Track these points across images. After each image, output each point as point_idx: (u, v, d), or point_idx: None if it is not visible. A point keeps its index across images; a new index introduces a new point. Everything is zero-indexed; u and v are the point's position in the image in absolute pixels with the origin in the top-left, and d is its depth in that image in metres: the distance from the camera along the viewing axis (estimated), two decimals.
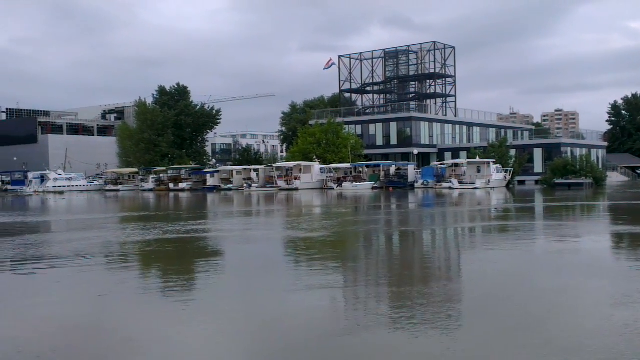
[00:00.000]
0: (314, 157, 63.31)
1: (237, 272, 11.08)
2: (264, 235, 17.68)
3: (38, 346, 6.15)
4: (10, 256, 13.05)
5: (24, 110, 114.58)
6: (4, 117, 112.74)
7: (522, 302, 7.80)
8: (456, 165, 59.11)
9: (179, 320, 7.08)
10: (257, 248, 14.49)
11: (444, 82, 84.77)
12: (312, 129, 69.37)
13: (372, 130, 75.81)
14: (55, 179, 74.76)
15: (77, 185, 75.42)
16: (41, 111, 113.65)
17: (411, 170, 60.22)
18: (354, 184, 57.41)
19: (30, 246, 14.70)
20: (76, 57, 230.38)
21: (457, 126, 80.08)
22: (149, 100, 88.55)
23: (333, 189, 56.56)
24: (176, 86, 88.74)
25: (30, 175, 78.33)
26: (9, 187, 77.15)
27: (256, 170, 66.54)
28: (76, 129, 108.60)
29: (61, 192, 66.37)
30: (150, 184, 71.74)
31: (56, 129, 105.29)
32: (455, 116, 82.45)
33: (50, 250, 14.03)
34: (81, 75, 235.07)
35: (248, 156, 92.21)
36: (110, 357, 5.84)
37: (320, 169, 61.57)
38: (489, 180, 54.18)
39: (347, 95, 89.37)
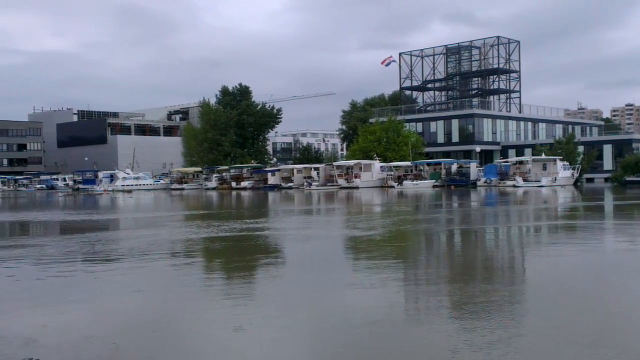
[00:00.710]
0: (375, 155, 63.08)
1: (297, 269, 11.18)
2: (324, 233, 17.76)
3: (105, 336, 6.40)
4: (80, 251, 13.62)
5: (95, 112, 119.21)
6: (75, 118, 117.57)
7: (590, 303, 7.53)
8: (520, 162, 57.65)
9: (241, 315, 7.20)
10: (317, 246, 14.58)
11: (508, 78, 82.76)
12: (373, 127, 69.12)
13: (433, 128, 74.85)
14: (124, 178, 77.38)
15: (144, 184, 77.83)
16: (110, 113, 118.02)
17: (473, 168, 59.10)
18: (415, 182, 56.86)
19: (100, 242, 15.30)
20: (143, 60, 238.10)
21: (522, 122, 78.02)
22: (212, 101, 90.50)
23: (393, 187, 56.19)
24: (238, 86, 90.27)
25: (101, 174, 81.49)
26: (81, 185, 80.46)
27: (316, 169, 66.87)
28: (143, 130, 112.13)
29: (129, 191, 68.66)
30: (213, 183, 73.24)
31: (124, 130, 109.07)
32: (520, 112, 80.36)
33: (118, 246, 14.56)
34: (148, 77, 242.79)
35: (308, 155, 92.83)
36: (176, 350, 6.01)
37: (381, 167, 61.30)
38: (555, 178, 52.57)
39: (407, 92, 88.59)
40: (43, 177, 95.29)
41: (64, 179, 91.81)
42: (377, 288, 8.71)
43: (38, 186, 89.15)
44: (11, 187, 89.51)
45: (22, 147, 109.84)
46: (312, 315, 7.30)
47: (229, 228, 18.72)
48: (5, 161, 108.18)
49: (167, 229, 19.03)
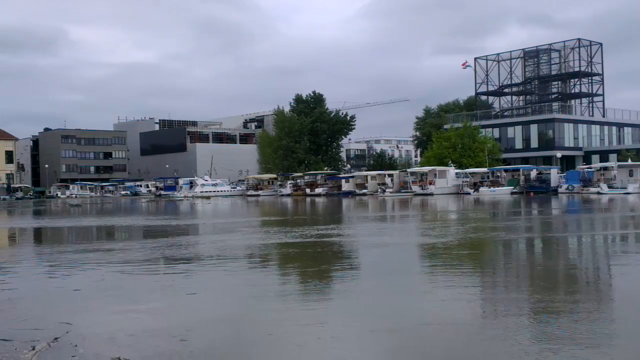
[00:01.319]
0: (449, 161, 62.09)
1: (370, 275, 11.18)
2: (398, 240, 17.66)
3: (191, 338, 6.64)
4: (161, 255, 14.17)
5: (175, 121, 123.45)
6: (157, 127, 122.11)
7: None
8: (605, 168, 55.17)
9: (317, 319, 7.29)
10: (390, 253, 14.52)
11: (590, 81, 79.51)
12: (447, 133, 68.08)
13: (511, 133, 72.86)
14: (202, 185, 79.64)
15: (221, 191, 79.80)
16: (190, 121, 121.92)
17: (554, 174, 57.05)
18: (492, 189, 55.49)
19: (179, 246, 15.86)
20: (221, 70, 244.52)
21: (606, 127, 74.71)
22: (287, 109, 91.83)
23: (469, 194, 55.08)
24: (312, 94, 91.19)
25: (181, 181, 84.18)
26: (162, 192, 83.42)
27: (390, 176, 66.52)
28: (220, 138, 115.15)
29: (207, 197, 70.60)
30: (288, 189, 74.19)
31: (203, 138, 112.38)
32: (604, 116, 76.96)
33: (197, 250, 15.05)
34: (225, 86, 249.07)
35: (382, 161, 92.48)
36: (255, 352, 6.16)
37: (456, 173, 60.25)
38: None
39: (483, 97, 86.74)
40: (127, 184, 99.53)
41: (147, 186, 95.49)
42: (452, 296, 8.60)
43: (123, 192, 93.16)
44: (98, 193, 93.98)
45: (108, 155, 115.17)
46: (386, 317, 7.30)
47: (303, 234, 18.95)
48: (92, 169, 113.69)
49: (244, 234, 19.47)
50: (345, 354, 5.98)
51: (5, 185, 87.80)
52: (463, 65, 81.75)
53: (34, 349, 5.81)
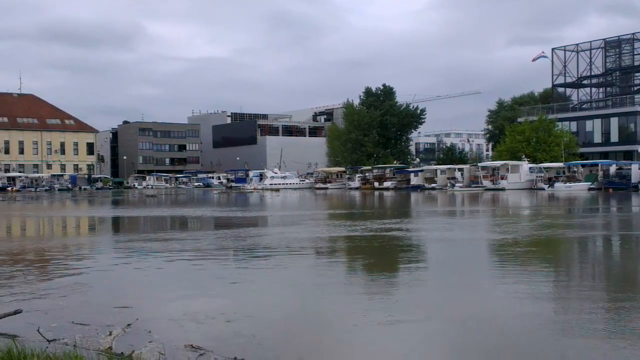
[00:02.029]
0: (523, 155, 60.26)
1: (437, 270, 11.04)
2: (466, 235, 17.34)
3: (258, 327, 6.78)
4: (230, 246, 14.50)
5: (246, 114, 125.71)
6: (229, 120, 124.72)
7: None
8: None
9: (383, 311, 7.27)
10: (457, 249, 14.28)
11: None
12: (521, 127, 66.08)
13: (589, 127, 69.90)
14: (272, 177, 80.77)
15: (290, 183, 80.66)
16: (260, 114, 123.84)
17: (635, 169, 54.30)
18: (568, 184, 53.50)
19: (248, 238, 16.18)
20: (291, 63, 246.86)
21: None
22: (356, 102, 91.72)
23: (544, 189, 53.31)
24: (381, 87, 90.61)
25: (251, 173, 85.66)
26: (233, 184, 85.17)
27: (460, 170, 65.28)
28: (290, 131, 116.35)
29: (277, 190, 71.56)
30: (356, 183, 74.16)
31: (273, 131, 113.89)
32: None
33: (265, 241, 15.29)
34: (295, 79, 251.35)
35: (452, 155, 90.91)
36: (322, 343, 6.22)
37: (530, 168, 58.42)
38: None
39: (560, 90, 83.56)
40: (200, 176, 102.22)
41: (219, 178, 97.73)
42: (520, 292, 8.37)
43: (196, 184, 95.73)
44: (172, 184, 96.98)
45: (182, 147, 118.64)
46: (451, 316, 7.19)
47: (370, 227, 18.91)
48: (167, 160, 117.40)
49: (310, 227, 19.64)
50: (412, 345, 5.94)
51: (86, 176, 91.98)
52: (536, 57, 78.90)
53: (110, 334, 6.06)
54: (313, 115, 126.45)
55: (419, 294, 8.65)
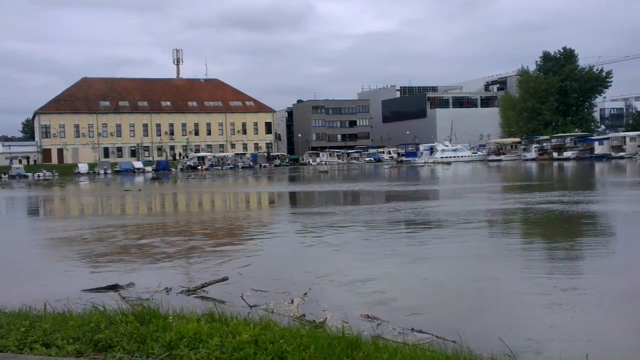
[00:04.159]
0: None
1: (623, 246, 10.35)
2: None
3: (435, 299, 6.96)
4: (402, 219, 14.76)
5: (415, 87, 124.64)
6: (398, 94, 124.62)
7: None
8: None
9: (565, 286, 7.08)
10: None
11: None
12: None
13: None
14: (443, 150, 79.61)
15: (462, 156, 78.92)
16: (429, 87, 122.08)
17: None
18: None
19: (419, 211, 16.32)
20: (458, 32, 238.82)
21: None
22: (532, 68, 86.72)
23: None
24: (561, 50, 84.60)
25: (421, 147, 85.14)
26: (404, 158, 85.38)
27: None
28: (461, 102, 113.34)
29: (448, 163, 70.46)
30: (532, 154, 70.58)
31: (443, 103, 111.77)
32: None
33: (436, 215, 15.33)
34: (463, 49, 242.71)
35: None
36: (494, 314, 6.25)
37: None
38: None
39: None
40: (371, 151, 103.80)
41: (389, 152, 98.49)
42: None
43: (367, 159, 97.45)
44: (344, 160, 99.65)
45: (352, 123, 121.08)
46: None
47: (548, 200, 18.05)
48: (339, 137, 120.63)
49: (483, 200, 19.23)
50: (600, 322, 5.77)
51: (265, 154, 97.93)
52: None
53: (292, 302, 6.60)
54: (485, 85, 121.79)
55: (599, 270, 8.23)
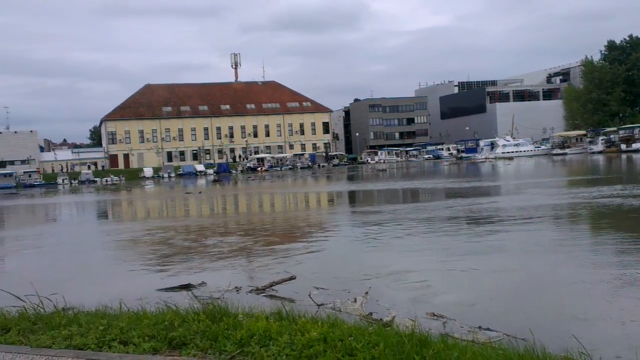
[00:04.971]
0: None
1: None
2: None
3: (500, 296, 6.85)
4: (463, 216, 14.55)
5: (473, 82, 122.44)
6: (456, 90, 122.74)
7: None
8: None
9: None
10: None
11: None
12: None
13: None
14: (504, 145, 77.92)
15: (524, 151, 77.03)
16: (489, 81, 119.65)
17: None
18: None
19: (480, 207, 16.04)
20: (515, 24, 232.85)
21: None
22: (596, 58, 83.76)
23: None
24: (627, 39, 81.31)
25: (482, 142, 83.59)
26: (463, 154, 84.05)
27: None
28: (522, 95, 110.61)
29: (510, 158, 68.91)
30: (599, 146, 68.13)
31: (503, 97, 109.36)
32: None
33: (498, 211, 15.02)
34: (522, 41, 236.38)
35: None
36: (556, 309, 6.11)
37: None
38: None
39: None
40: (429, 148, 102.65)
41: (448, 149, 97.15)
42: None
43: (426, 156, 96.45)
44: (402, 157, 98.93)
45: (410, 120, 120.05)
46: None
47: (619, 194, 17.39)
48: (397, 134, 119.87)
49: (547, 195, 18.72)
50: None
51: (323, 154, 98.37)
52: None
53: (355, 300, 6.63)
54: (547, 77, 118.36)
55: None
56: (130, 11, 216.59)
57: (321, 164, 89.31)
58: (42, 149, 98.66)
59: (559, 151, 73.84)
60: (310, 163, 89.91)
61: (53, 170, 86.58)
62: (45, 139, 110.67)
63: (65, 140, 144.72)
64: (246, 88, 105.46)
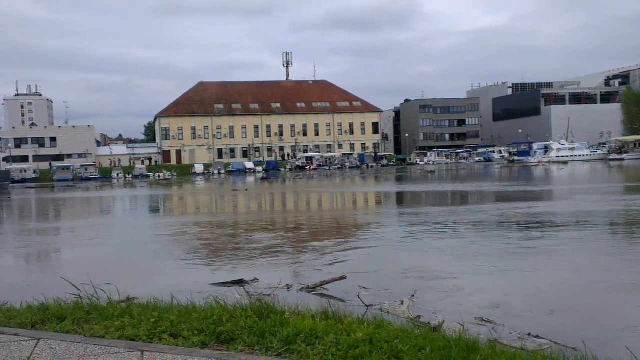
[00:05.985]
0: None
1: None
2: None
3: (553, 302, 6.71)
4: (514, 220, 14.27)
5: (528, 84, 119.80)
6: (510, 92, 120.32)
7: None
8: None
9: None
10: None
11: None
12: None
13: None
14: (558, 149, 75.98)
15: (579, 155, 74.93)
16: (544, 83, 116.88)
17: None
18: None
19: (532, 212, 15.70)
20: (573, 25, 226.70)
21: None
22: None
23: None
24: None
25: (535, 146, 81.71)
26: (516, 157, 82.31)
27: None
28: (578, 98, 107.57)
29: (564, 162, 67.12)
30: None
31: (558, 100, 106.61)
32: None
33: (553, 217, 14.67)
34: (580, 42, 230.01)
35: None
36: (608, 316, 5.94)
37: None
38: None
39: None
40: (480, 150, 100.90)
41: (500, 152, 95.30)
42: None
43: (476, 159, 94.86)
44: (453, 160, 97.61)
45: (461, 122, 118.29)
46: None
47: None
48: (447, 136, 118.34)
49: (602, 201, 18.17)
50: None
51: (372, 154, 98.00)
52: None
53: (402, 303, 6.60)
54: (605, 80, 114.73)
55: None
56: (185, 10, 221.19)
57: (370, 164, 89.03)
58: (98, 144, 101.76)
59: (616, 156, 71.50)
60: (358, 163, 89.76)
61: (111, 164, 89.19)
62: (102, 134, 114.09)
63: (120, 135, 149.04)
64: (297, 87, 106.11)
